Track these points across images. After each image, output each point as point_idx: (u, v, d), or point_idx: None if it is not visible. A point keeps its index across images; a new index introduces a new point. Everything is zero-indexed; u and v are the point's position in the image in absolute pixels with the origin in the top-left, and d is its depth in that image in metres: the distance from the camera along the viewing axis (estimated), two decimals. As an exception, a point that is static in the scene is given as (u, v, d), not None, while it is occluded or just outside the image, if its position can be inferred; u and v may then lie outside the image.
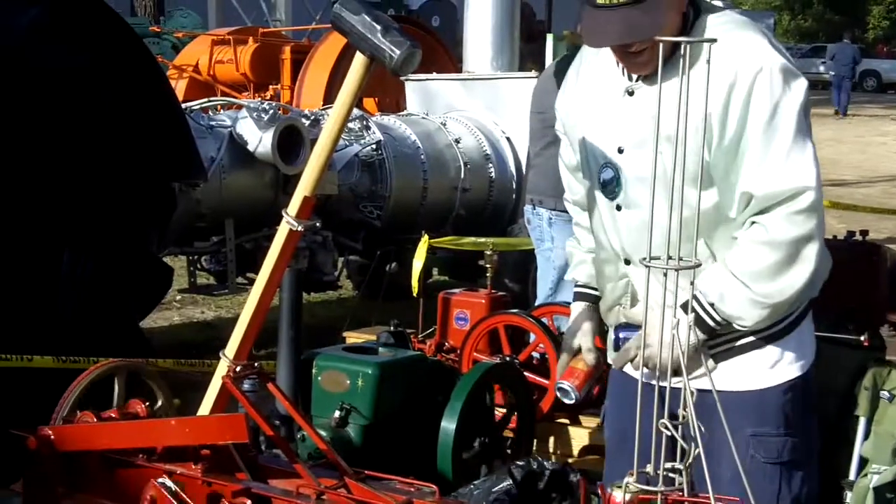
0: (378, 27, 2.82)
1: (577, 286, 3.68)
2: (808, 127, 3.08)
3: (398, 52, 2.81)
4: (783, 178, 3.02)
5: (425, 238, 7.13)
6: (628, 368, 3.35)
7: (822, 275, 3.22)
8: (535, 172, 6.99)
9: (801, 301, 3.21)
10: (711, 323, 3.12)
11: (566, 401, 3.59)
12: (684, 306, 2.95)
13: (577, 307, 3.64)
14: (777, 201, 3.03)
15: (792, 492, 3.25)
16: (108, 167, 6.66)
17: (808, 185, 3.02)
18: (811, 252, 3.06)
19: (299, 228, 3.06)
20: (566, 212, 6.65)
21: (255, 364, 3.17)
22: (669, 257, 2.33)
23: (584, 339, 3.57)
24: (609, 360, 3.51)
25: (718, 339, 3.20)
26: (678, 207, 2.35)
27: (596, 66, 3.37)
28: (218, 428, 2.85)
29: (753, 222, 3.08)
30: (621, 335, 3.37)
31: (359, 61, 2.92)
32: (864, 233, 6.69)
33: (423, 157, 9.57)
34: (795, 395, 3.24)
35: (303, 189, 3.08)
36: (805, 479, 3.29)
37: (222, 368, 3.11)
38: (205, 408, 3.13)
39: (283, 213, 3.09)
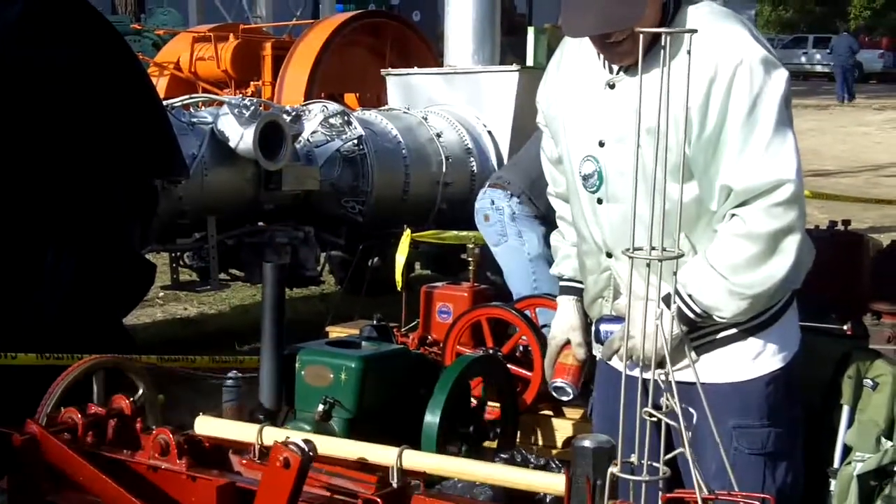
0: None
1: (562, 280, 3.68)
2: (789, 118, 3.08)
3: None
4: (762, 171, 3.02)
5: (407, 232, 7.13)
6: (615, 360, 3.36)
7: (806, 265, 3.22)
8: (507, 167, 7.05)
9: (782, 292, 3.21)
10: (691, 315, 3.12)
11: (563, 398, 3.60)
12: (666, 298, 2.95)
13: (564, 302, 3.64)
14: (756, 194, 3.03)
15: (776, 482, 3.26)
16: (91, 164, 6.66)
17: (786, 178, 3.02)
18: (791, 244, 3.06)
19: None
20: (527, 205, 6.74)
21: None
22: (652, 248, 2.33)
23: (573, 333, 3.57)
24: (595, 353, 3.51)
25: (700, 332, 3.20)
26: (660, 200, 2.35)
27: (577, 58, 3.37)
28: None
29: (733, 215, 3.08)
30: (603, 327, 3.38)
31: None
32: (847, 223, 6.73)
33: (404, 151, 9.56)
34: (778, 386, 3.24)
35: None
36: (789, 469, 3.30)
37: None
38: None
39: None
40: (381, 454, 2.91)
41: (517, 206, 6.66)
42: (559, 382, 3.54)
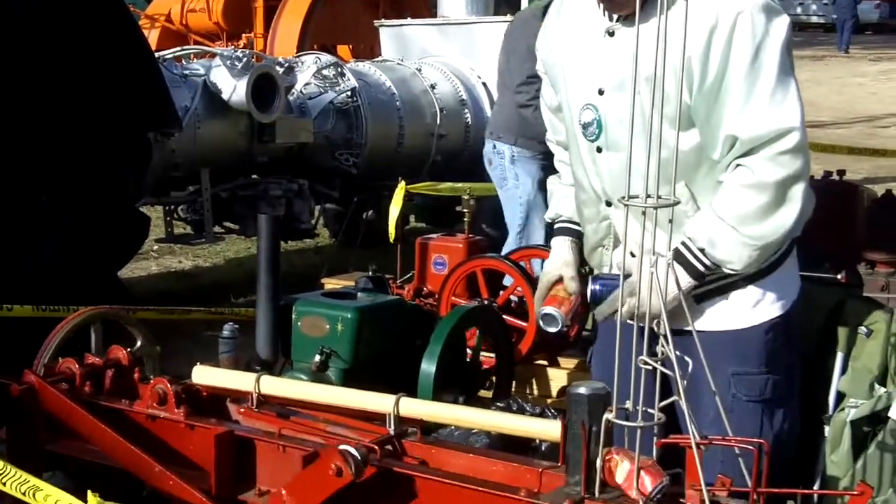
0: None
1: (558, 221, 3.66)
2: (791, 65, 3.07)
3: None
4: (768, 119, 3.00)
5: (402, 184, 7.13)
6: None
7: (807, 214, 3.22)
8: (497, 110, 7.07)
9: (786, 241, 3.21)
10: (702, 268, 3.11)
11: (551, 328, 3.51)
12: (676, 254, 2.96)
13: (559, 241, 3.61)
14: (762, 143, 3.02)
15: (773, 429, 3.27)
16: (84, 117, 6.63)
17: (792, 126, 3.01)
18: (798, 192, 3.06)
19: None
20: (528, 148, 6.79)
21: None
22: (648, 196, 2.33)
23: (566, 268, 3.53)
24: (595, 314, 3.48)
25: (703, 281, 3.20)
26: (657, 148, 2.34)
27: (577, 5, 3.35)
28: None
29: (738, 165, 3.06)
30: (598, 287, 3.35)
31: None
32: (842, 173, 6.72)
33: (398, 103, 9.54)
34: (777, 333, 3.25)
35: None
36: (786, 416, 3.31)
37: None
38: None
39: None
40: (379, 402, 2.93)
41: (517, 149, 6.85)
42: (547, 310, 3.47)
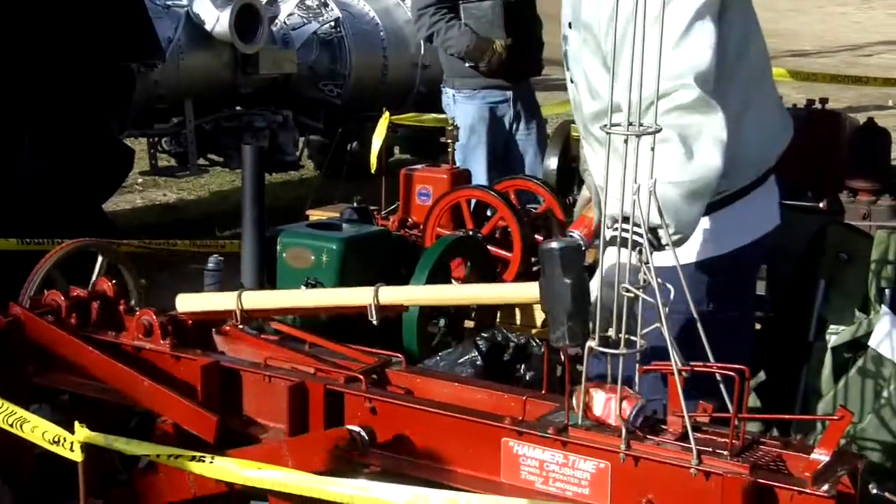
0: None
1: None
2: (704, 13, 2.87)
3: None
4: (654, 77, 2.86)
5: (386, 115, 7.11)
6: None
7: (775, 149, 3.18)
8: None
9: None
10: (637, 238, 2.68)
11: None
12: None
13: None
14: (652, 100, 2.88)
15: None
16: (65, 48, 6.59)
17: (682, 83, 2.83)
18: (706, 149, 2.85)
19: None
20: (466, 87, 6.75)
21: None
22: (613, 124, 2.33)
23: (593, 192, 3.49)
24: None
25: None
26: (638, 80, 2.34)
27: None
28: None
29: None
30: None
31: None
32: (824, 101, 6.74)
33: (382, 34, 9.50)
34: (716, 273, 3.17)
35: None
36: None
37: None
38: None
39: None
40: (358, 295, 2.94)
41: (454, 91, 6.87)
42: (570, 232, 3.51)
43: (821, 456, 2.17)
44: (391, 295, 2.92)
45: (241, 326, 3.11)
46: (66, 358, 3.10)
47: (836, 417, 2.21)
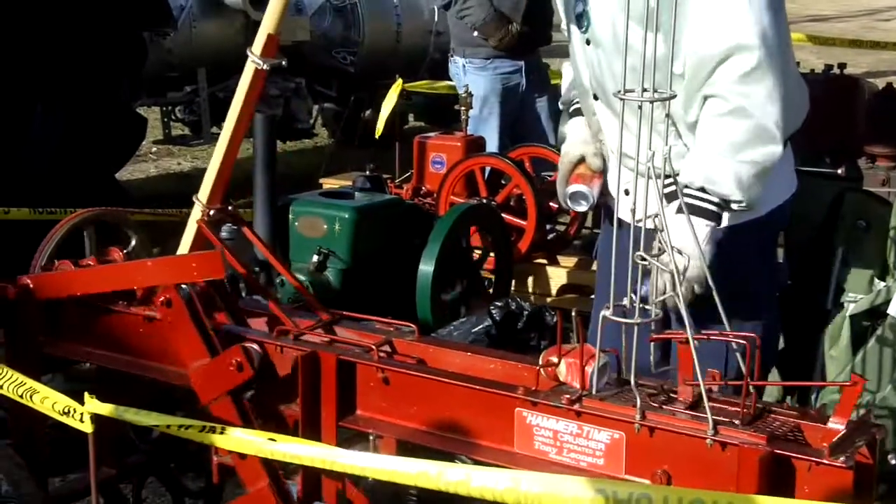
0: None
1: (574, 104, 3.57)
2: None
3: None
4: (717, 37, 2.89)
5: (399, 82, 7.09)
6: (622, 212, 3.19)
7: (799, 117, 3.17)
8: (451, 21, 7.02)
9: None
10: (713, 207, 2.99)
11: (580, 207, 3.43)
12: (670, 196, 2.71)
13: (576, 121, 3.52)
14: (716, 63, 2.91)
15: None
16: (77, 17, 6.56)
17: (745, 44, 2.89)
18: (775, 110, 2.95)
19: (264, 67, 3.01)
20: (476, 57, 6.74)
21: (230, 207, 3.13)
22: (629, 90, 2.29)
23: (586, 147, 3.41)
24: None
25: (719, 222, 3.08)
26: (648, 48, 2.31)
27: None
28: (194, 265, 2.81)
29: (708, 97, 2.97)
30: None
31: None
32: (843, 66, 6.67)
33: (395, 0, 9.44)
34: (748, 237, 3.20)
35: (266, 27, 3.03)
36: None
37: (196, 213, 3.08)
38: (182, 250, 3.11)
39: (248, 52, 3.05)
40: None
41: (465, 60, 6.86)
42: (576, 187, 3.37)
43: (837, 425, 2.14)
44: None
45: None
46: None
47: (847, 383, 2.17)
